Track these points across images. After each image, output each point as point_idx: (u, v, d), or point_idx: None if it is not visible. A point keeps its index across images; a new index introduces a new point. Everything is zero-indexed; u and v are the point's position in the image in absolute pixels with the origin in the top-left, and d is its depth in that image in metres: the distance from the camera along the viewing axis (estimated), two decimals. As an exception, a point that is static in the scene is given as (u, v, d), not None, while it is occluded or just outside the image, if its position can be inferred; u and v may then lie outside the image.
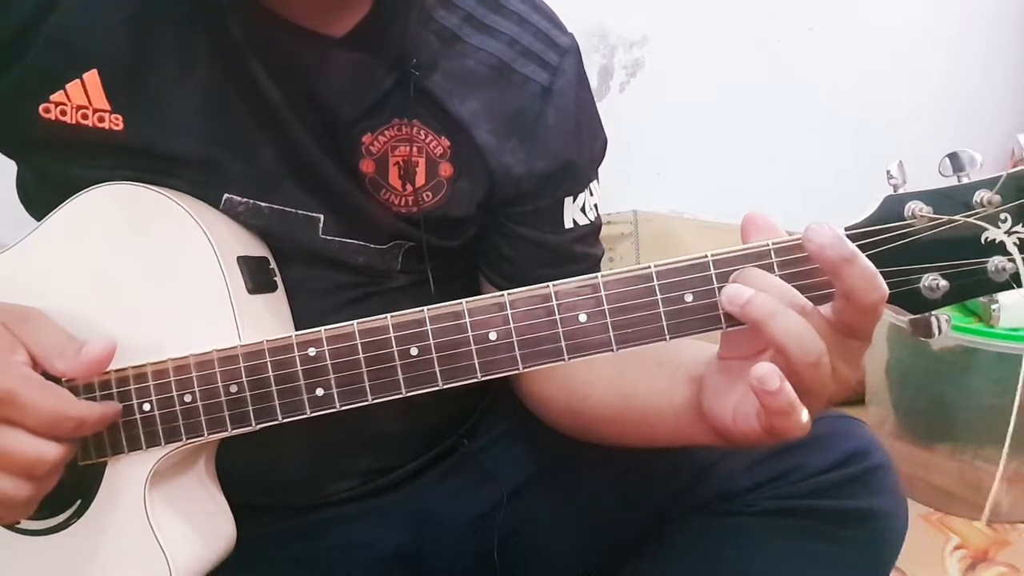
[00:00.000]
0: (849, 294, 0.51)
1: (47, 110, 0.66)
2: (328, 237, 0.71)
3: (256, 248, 0.69)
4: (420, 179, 0.72)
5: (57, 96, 0.66)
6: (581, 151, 0.76)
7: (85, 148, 0.66)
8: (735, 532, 0.74)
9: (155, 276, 0.63)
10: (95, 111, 0.66)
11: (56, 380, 0.60)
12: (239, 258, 0.65)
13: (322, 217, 0.71)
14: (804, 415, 0.52)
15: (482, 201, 0.74)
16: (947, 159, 0.53)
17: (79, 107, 0.66)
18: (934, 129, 1.71)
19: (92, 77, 0.65)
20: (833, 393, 0.54)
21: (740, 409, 0.56)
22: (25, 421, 0.56)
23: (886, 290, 0.51)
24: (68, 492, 0.64)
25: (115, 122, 0.66)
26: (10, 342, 0.58)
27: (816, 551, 0.72)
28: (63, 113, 0.66)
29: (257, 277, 0.66)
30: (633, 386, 0.68)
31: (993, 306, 1.19)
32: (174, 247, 0.63)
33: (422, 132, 0.71)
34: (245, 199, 0.69)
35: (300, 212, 0.70)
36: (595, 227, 0.80)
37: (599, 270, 0.81)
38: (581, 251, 0.79)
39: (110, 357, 0.60)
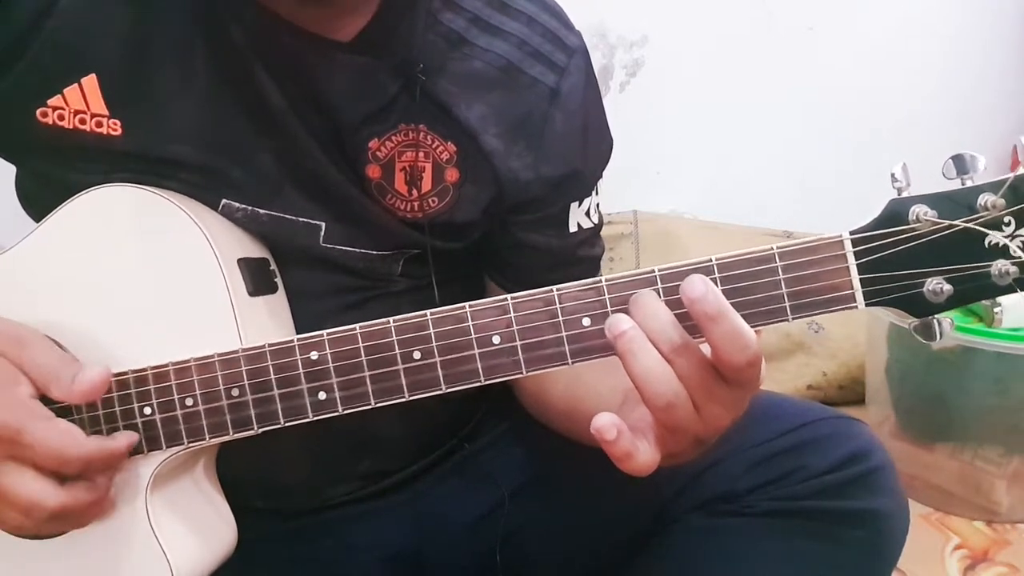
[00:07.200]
0: (715, 349, 0.51)
1: (44, 114, 0.65)
2: (329, 245, 0.71)
3: (256, 249, 0.69)
4: (426, 184, 0.71)
5: (55, 100, 0.65)
6: (587, 157, 0.76)
7: (82, 152, 0.66)
8: (736, 533, 0.73)
9: (155, 279, 0.63)
10: (93, 116, 0.65)
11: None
12: (239, 260, 0.65)
13: (324, 225, 0.70)
14: (643, 457, 0.52)
15: (488, 206, 0.73)
16: (951, 161, 0.53)
17: (77, 112, 0.65)
18: (934, 129, 1.71)
19: (90, 82, 0.65)
20: (701, 433, 0.53)
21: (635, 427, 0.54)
22: (32, 459, 0.55)
23: (753, 352, 0.50)
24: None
25: (113, 127, 0.66)
26: (12, 373, 0.57)
27: (817, 552, 0.72)
28: (60, 118, 0.65)
29: (258, 279, 0.66)
30: (585, 389, 0.69)
31: (996, 308, 1.18)
32: (174, 249, 0.63)
33: (429, 137, 0.70)
34: (243, 205, 0.68)
35: (301, 219, 0.69)
36: (597, 229, 0.80)
37: (599, 269, 0.82)
38: (583, 254, 0.79)
39: (105, 384, 0.58)
